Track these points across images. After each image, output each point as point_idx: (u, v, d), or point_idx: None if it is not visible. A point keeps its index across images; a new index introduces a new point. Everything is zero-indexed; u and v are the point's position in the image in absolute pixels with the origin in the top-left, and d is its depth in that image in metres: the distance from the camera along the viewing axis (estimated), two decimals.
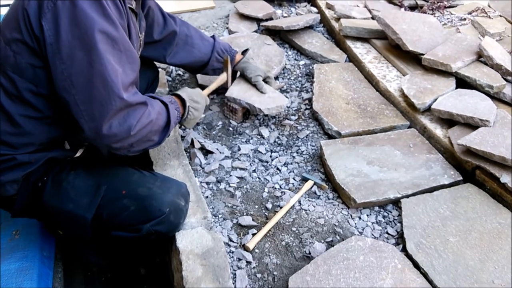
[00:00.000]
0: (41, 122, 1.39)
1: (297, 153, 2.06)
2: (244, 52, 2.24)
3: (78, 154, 1.52)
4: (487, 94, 2.11)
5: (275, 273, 1.52)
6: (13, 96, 1.34)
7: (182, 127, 2.12)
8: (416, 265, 1.49)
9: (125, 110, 1.32)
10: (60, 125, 1.42)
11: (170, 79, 2.56)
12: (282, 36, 2.98)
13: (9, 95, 1.34)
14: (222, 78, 2.11)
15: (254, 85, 2.19)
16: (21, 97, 1.33)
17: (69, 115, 1.30)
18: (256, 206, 1.78)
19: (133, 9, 1.49)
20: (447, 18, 2.96)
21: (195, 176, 1.86)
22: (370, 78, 2.48)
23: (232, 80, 2.22)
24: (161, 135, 1.49)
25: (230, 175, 1.91)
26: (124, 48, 1.31)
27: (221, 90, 2.21)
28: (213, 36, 2.14)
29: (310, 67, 2.64)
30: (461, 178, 1.82)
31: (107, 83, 1.25)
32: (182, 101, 1.67)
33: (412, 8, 3.14)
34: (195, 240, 1.52)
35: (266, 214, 1.75)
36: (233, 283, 1.43)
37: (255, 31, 3.03)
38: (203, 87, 2.43)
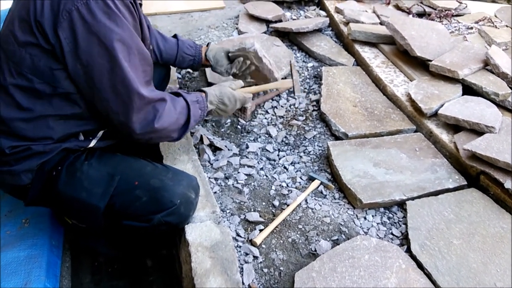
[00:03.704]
0: (58, 118, 1.43)
1: (304, 153, 2.09)
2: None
3: (91, 145, 1.55)
4: (493, 101, 2.14)
5: (281, 268, 1.54)
6: (31, 95, 1.37)
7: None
8: (420, 265, 1.52)
9: (146, 107, 1.42)
10: (76, 121, 1.46)
11: (180, 76, 2.59)
12: (291, 38, 3.01)
13: (26, 94, 1.37)
14: (286, 81, 2.11)
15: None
16: (39, 96, 1.37)
17: (95, 109, 1.43)
18: (263, 203, 1.81)
19: (140, 3, 1.54)
20: (454, 26, 3.00)
21: (204, 172, 1.88)
22: (377, 82, 2.51)
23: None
24: (180, 132, 1.58)
25: (238, 172, 1.94)
26: (137, 51, 1.38)
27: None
28: (175, 36, 2.09)
29: (318, 70, 2.67)
30: (465, 182, 1.85)
31: (126, 85, 1.35)
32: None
33: (420, 15, 3.17)
34: (204, 233, 1.55)
35: (273, 211, 1.78)
36: (240, 277, 1.46)
37: (264, 32, 3.06)
38: (212, 85, 2.47)
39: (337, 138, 2.16)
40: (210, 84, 2.48)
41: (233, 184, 1.89)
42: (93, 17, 1.26)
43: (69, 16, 1.25)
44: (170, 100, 1.52)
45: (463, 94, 2.22)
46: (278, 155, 2.07)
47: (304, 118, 2.31)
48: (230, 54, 2.08)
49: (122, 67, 1.32)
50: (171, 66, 2.17)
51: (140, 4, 1.56)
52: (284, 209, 1.76)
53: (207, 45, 2.12)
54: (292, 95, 2.47)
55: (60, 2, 1.26)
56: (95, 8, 1.26)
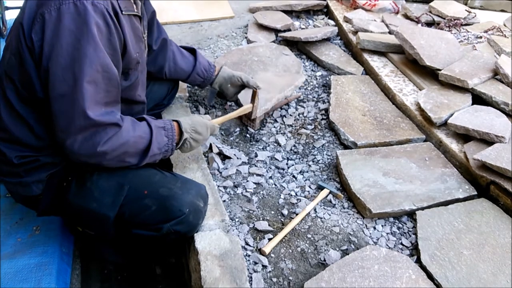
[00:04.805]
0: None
1: (313, 161, 2.09)
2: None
3: None
4: (503, 111, 2.13)
5: (290, 278, 1.54)
6: (24, 104, 1.39)
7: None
8: (430, 276, 1.51)
9: (92, 129, 1.31)
10: None
11: (189, 85, 2.60)
12: (300, 47, 3.03)
13: (21, 103, 1.39)
14: (246, 108, 2.09)
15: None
16: (31, 105, 1.39)
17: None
18: (272, 212, 1.81)
19: (135, 14, 1.50)
20: (464, 36, 3.00)
21: (213, 180, 1.89)
22: (386, 91, 2.51)
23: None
24: (140, 158, 1.47)
25: (247, 181, 1.95)
26: (102, 69, 1.30)
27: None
28: (193, 50, 2.08)
29: (327, 78, 2.68)
30: (475, 192, 1.84)
31: (74, 101, 1.27)
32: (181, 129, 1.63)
33: (429, 24, 3.17)
34: (213, 241, 1.55)
35: (282, 220, 1.78)
36: (250, 286, 1.46)
37: (273, 41, 3.08)
38: (220, 95, 2.48)
39: (346, 147, 2.16)
40: (218, 93, 2.49)
41: (242, 193, 1.89)
42: (61, 23, 1.23)
43: (42, 19, 1.24)
44: (131, 124, 1.43)
45: (472, 104, 2.22)
46: (287, 164, 2.08)
47: (313, 127, 2.31)
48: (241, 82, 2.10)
49: (76, 81, 1.25)
50: None
51: (136, 15, 1.51)
52: (293, 218, 1.76)
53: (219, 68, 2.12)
54: (301, 104, 2.48)
55: (37, 6, 1.26)
56: (66, 14, 1.23)
